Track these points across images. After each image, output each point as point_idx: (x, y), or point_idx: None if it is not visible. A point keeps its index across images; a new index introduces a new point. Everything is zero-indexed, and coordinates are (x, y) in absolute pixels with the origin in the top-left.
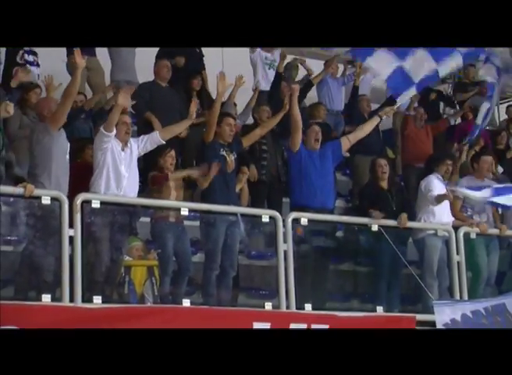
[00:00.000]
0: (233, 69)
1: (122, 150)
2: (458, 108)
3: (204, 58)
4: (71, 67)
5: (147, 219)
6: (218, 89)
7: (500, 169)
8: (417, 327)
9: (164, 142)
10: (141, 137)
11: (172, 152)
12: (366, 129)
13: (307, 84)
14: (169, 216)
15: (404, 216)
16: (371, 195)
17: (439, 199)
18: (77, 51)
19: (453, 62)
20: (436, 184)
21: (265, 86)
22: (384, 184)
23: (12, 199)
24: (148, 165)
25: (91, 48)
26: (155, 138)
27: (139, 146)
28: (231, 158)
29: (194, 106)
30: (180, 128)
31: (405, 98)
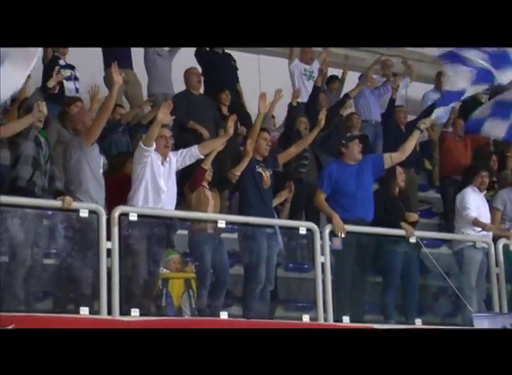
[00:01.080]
0: (270, 81)
1: (162, 164)
2: None
3: (238, 72)
4: (108, 81)
5: (185, 232)
6: (260, 109)
7: None
8: None
9: (203, 157)
10: (180, 150)
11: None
12: (409, 148)
13: (344, 97)
14: (207, 228)
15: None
16: (384, 203)
17: (476, 224)
18: (114, 66)
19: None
20: (472, 199)
21: (304, 98)
22: (396, 193)
23: (50, 212)
24: (185, 178)
25: (128, 61)
26: (194, 153)
27: (177, 160)
28: (267, 175)
29: (232, 121)
30: (218, 143)
31: (442, 109)
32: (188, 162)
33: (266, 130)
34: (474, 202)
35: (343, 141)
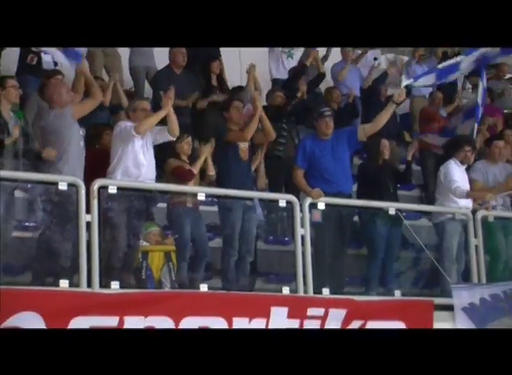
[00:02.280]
0: (250, 57)
1: (141, 138)
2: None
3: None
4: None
5: (164, 205)
6: (256, 107)
7: None
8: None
9: (174, 139)
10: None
11: (189, 139)
12: (383, 119)
13: (319, 76)
14: (186, 201)
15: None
16: (368, 176)
17: (471, 195)
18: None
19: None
20: (456, 171)
21: (282, 74)
22: (380, 164)
23: (29, 185)
24: (164, 150)
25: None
26: (165, 134)
27: (152, 136)
28: (244, 146)
29: (167, 98)
30: (156, 119)
31: (422, 83)
32: (160, 141)
33: (239, 100)
34: (458, 174)
35: (314, 115)
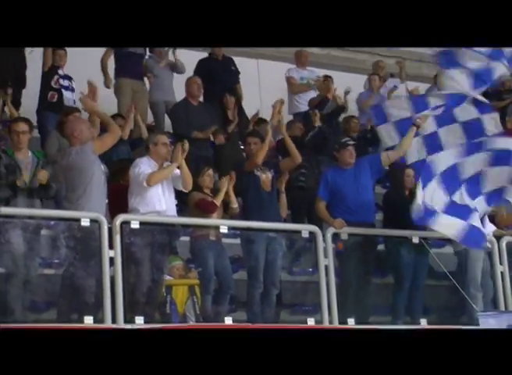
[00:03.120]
0: (269, 84)
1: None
2: None
3: (239, 76)
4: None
5: (187, 238)
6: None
7: None
8: None
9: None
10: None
11: (210, 171)
12: (407, 144)
13: (339, 108)
14: (209, 234)
15: None
16: (394, 204)
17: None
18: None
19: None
20: None
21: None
22: (407, 194)
23: (52, 222)
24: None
25: (139, 71)
26: (179, 184)
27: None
28: (267, 177)
29: (179, 149)
30: (168, 172)
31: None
32: (176, 187)
33: (255, 135)
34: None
35: (336, 146)
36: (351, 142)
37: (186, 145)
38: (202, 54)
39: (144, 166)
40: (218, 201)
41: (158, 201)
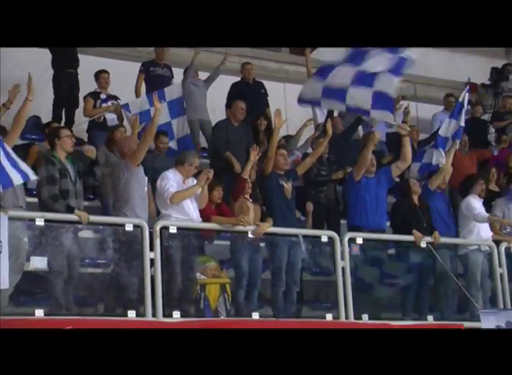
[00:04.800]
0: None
1: (183, 182)
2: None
3: (268, 98)
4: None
5: (219, 242)
6: (276, 124)
7: None
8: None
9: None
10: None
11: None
12: (407, 153)
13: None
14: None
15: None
16: (404, 212)
17: (492, 219)
18: (155, 97)
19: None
20: (475, 202)
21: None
22: (415, 202)
23: (100, 227)
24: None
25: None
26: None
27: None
28: (289, 186)
29: (204, 175)
30: (191, 193)
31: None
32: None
33: (282, 147)
34: (478, 206)
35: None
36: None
37: (211, 174)
38: (235, 78)
39: (170, 180)
40: (245, 175)
41: (189, 210)
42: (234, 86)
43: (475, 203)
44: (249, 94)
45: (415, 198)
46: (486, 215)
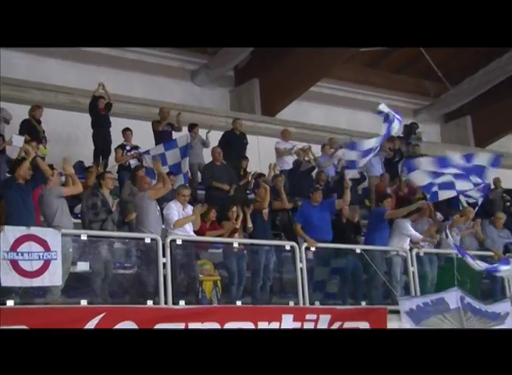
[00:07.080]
0: (268, 153)
1: (183, 210)
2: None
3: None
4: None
5: (214, 250)
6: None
7: None
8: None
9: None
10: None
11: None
12: (347, 198)
13: (312, 167)
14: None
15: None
16: (338, 229)
17: (421, 240)
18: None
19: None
20: (409, 226)
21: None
22: (344, 220)
23: (126, 240)
24: None
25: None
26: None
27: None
28: (266, 211)
29: (197, 209)
30: (187, 221)
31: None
32: None
33: (266, 182)
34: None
35: (311, 190)
36: (320, 188)
37: (204, 208)
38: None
39: (173, 210)
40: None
41: (187, 229)
42: (225, 134)
43: (409, 226)
44: (235, 142)
45: (344, 220)
46: (420, 236)
